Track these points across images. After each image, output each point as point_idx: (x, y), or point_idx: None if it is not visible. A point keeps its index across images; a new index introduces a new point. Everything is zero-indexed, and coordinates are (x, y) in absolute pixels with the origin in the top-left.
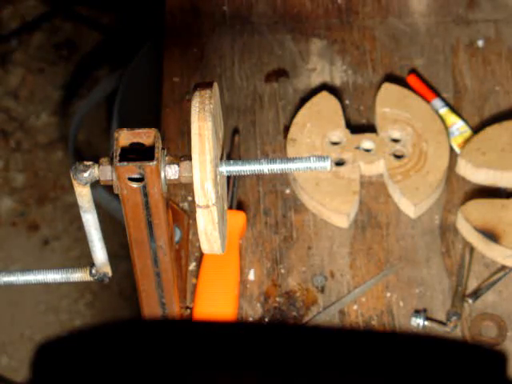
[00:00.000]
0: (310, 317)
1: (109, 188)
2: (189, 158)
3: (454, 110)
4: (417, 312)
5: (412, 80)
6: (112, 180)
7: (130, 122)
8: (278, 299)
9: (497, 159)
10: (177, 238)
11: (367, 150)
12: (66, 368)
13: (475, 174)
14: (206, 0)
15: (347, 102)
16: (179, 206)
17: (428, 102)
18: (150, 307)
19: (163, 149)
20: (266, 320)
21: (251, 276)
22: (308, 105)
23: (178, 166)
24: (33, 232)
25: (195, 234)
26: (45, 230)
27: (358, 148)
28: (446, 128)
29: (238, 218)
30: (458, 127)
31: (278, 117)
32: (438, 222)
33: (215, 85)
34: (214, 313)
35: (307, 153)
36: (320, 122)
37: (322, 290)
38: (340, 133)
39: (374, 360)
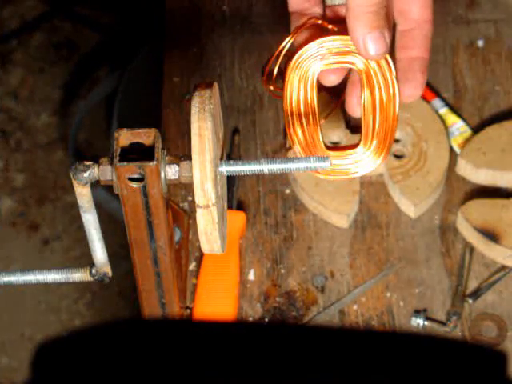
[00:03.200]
0: (309, 317)
1: (109, 188)
2: (189, 158)
3: (454, 109)
4: (417, 312)
5: None
6: (112, 180)
7: (130, 122)
8: (277, 299)
9: (497, 159)
10: (177, 238)
11: None
12: (66, 368)
13: (475, 174)
14: (205, 0)
15: None
16: (179, 206)
17: (428, 101)
18: (150, 307)
19: (163, 149)
20: (266, 320)
21: (251, 276)
22: None
23: (178, 166)
24: (33, 232)
25: (195, 234)
26: (45, 229)
27: None
28: (446, 128)
29: (238, 218)
30: (458, 127)
31: (278, 117)
32: (437, 222)
33: (215, 85)
34: (213, 313)
35: None
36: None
37: (322, 290)
38: (340, 133)
39: (374, 360)
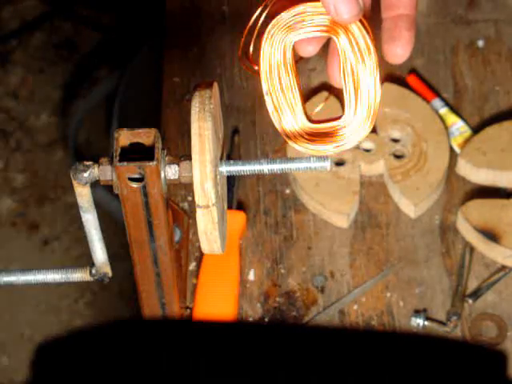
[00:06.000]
0: (310, 317)
1: (109, 188)
2: (189, 157)
3: (454, 110)
4: (417, 312)
5: (412, 80)
6: (112, 180)
7: (130, 122)
8: (278, 299)
9: (497, 159)
10: (177, 238)
11: (367, 150)
12: (66, 368)
13: (475, 174)
14: (206, 0)
15: None
16: (179, 206)
17: (428, 101)
18: (150, 307)
19: (163, 149)
20: (266, 320)
21: (251, 276)
22: (308, 105)
23: (178, 166)
24: (33, 232)
25: (195, 234)
26: (45, 229)
27: (357, 148)
28: (446, 128)
29: (238, 218)
30: (458, 127)
31: None
32: (437, 222)
33: (215, 85)
34: (214, 313)
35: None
36: None
37: (322, 290)
38: None
39: (374, 360)
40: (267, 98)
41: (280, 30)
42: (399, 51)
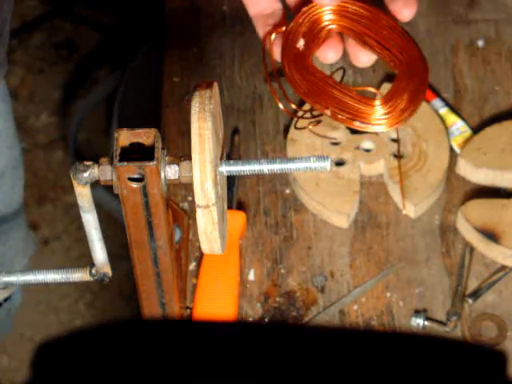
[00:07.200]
0: (310, 317)
1: (109, 188)
2: (189, 158)
3: (454, 109)
4: (417, 312)
5: None
6: (112, 180)
7: (130, 122)
8: (278, 299)
9: (497, 159)
10: (177, 238)
11: (367, 150)
12: (66, 368)
13: (475, 174)
14: (206, 0)
15: None
16: (179, 206)
17: (428, 101)
18: (150, 307)
19: (163, 149)
20: (266, 320)
21: (251, 276)
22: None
23: (178, 166)
24: (33, 232)
25: (195, 234)
26: (45, 229)
27: (357, 148)
28: (446, 128)
29: (238, 218)
30: (458, 127)
31: (278, 117)
32: (438, 222)
33: (215, 85)
34: (214, 313)
35: (307, 153)
36: None
37: (322, 290)
38: (340, 133)
39: (374, 360)
40: (328, 112)
41: (293, 57)
42: (405, 7)
